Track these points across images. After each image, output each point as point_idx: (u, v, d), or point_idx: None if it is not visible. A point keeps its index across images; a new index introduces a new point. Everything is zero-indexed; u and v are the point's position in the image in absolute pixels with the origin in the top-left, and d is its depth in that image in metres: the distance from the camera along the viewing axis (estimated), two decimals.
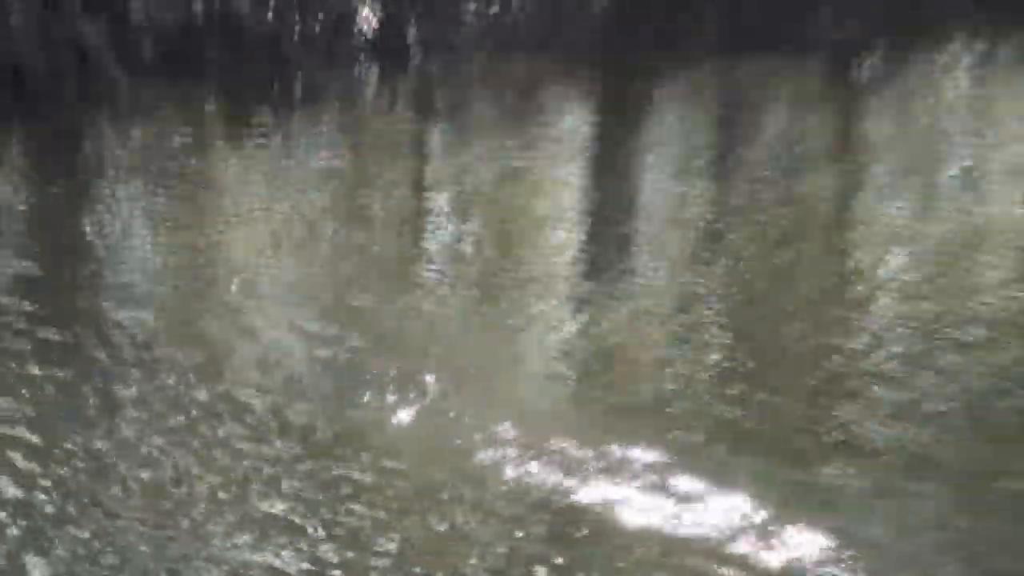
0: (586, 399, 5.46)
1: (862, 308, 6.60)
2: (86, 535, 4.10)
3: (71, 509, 4.34)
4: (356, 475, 4.50)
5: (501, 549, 4.06)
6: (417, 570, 3.90)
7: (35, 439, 4.79)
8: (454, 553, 3.99)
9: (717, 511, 4.20)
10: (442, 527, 4.15)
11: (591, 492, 4.35)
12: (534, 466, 4.56)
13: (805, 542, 3.97)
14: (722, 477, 4.44)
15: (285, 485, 4.37)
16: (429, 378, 5.39)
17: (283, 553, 3.91)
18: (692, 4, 15.03)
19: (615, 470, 4.54)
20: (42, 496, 4.36)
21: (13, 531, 4.04)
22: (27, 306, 6.37)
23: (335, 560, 3.93)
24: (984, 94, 13.37)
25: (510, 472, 4.53)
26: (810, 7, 15.16)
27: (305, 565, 3.86)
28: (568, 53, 14.04)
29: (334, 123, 11.97)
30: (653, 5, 14.55)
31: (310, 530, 4.07)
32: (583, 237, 8.20)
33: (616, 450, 4.67)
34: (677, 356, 5.95)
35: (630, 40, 14.13)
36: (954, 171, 9.81)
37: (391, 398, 5.24)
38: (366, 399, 5.25)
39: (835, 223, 8.64)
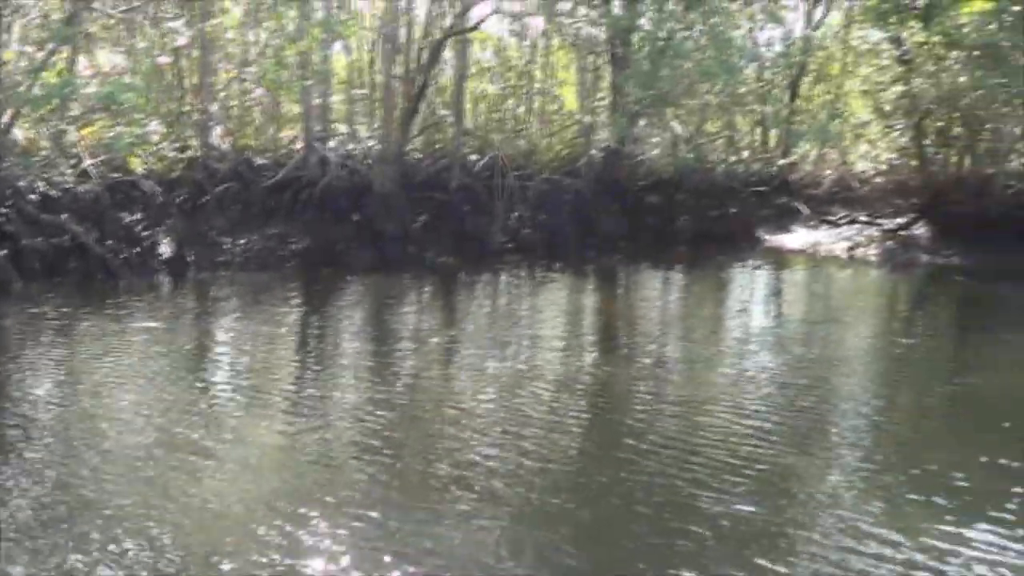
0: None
1: (474, 412, 8.13)
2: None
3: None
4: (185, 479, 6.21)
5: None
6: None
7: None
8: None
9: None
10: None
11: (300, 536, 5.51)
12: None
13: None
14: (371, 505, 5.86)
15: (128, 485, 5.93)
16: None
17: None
18: (356, 240, 18.74)
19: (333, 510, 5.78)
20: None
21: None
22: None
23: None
24: (529, 301, 16.18)
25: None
26: (424, 247, 19.31)
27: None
28: (283, 271, 17.67)
29: (145, 306, 14.21)
30: (332, 243, 18.53)
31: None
32: (293, 366, 10.31)
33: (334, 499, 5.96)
34: (372, 442, 7.26)
35: (318, 263, 17.97)
36: (517, 339, 12.19)
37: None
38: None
39: (453, 365, 10.52)
